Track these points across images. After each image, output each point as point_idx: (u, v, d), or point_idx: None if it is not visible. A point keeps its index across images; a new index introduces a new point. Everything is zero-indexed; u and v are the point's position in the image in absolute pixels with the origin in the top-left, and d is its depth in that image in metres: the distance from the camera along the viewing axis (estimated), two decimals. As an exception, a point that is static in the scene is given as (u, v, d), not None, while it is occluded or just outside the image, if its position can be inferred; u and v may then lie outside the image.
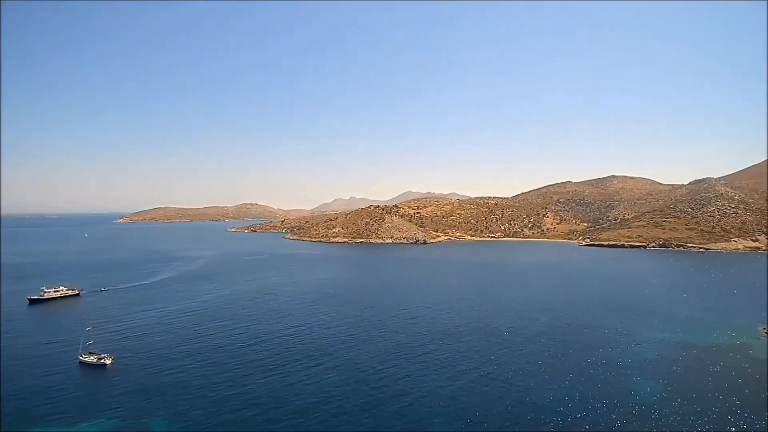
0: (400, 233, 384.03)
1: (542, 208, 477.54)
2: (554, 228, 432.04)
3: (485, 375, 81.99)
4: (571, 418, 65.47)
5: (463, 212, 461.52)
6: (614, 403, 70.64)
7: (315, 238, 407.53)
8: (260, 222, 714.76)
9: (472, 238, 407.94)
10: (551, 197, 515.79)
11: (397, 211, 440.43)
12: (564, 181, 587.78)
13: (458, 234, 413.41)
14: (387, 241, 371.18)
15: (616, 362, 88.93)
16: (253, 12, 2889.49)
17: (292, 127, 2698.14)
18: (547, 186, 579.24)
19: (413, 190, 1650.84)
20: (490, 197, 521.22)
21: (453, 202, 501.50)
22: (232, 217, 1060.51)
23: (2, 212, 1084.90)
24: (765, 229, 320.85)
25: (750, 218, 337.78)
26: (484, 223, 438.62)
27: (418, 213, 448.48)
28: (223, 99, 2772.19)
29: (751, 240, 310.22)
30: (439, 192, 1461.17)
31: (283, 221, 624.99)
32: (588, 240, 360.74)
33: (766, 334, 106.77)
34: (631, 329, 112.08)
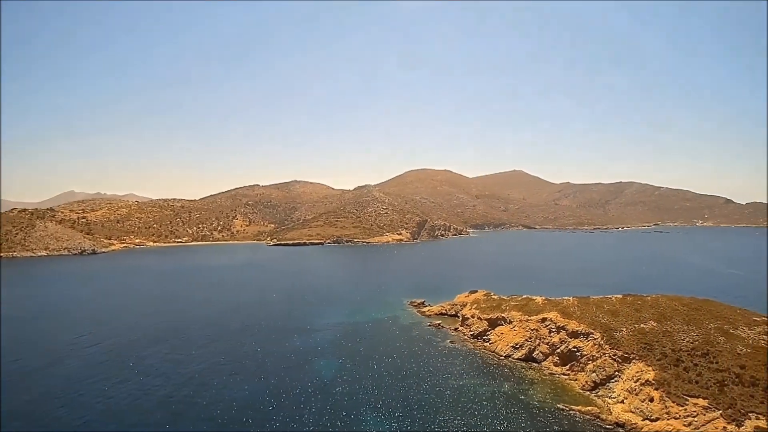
0: (59, 243, 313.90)
1: (231, 210, 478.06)
2: (244, 230, 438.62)
3: (190, 387, 75.34)
4: (267, 409, 67.21)
5: (143, 216, 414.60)
6: (303, 385, 76.54)
7: None
8: None
9: (155, 244, 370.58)
10: (240, 200, 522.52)
11: (53, 216, 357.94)
12: (252, 184, 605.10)
13: (138, 241, 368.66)
14: (40, 254, 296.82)
15: (302, 349, 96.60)
16: None
17: None
18: (236, 189, 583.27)
19: (77, 191, 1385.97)
20: (175, 199, 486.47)
21: (131, 205, 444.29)
22: None
23: None
24: (406, 225, 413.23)
25: (396, 217, 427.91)
26: (170, 227, 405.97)
27: (84, 218, 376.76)
28: None
29: (397, 234, 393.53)
30: (112, 193, 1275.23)
31: None
32: (275, 240, 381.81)
33: (409, 305, 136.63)
34: (314, 317, 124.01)
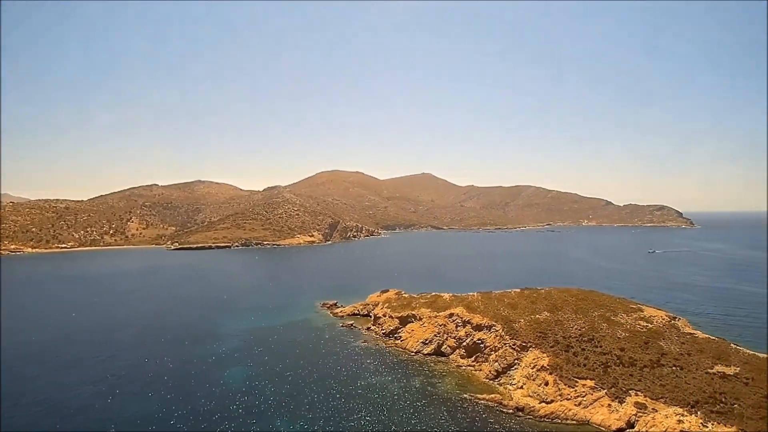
0: None
1: (126, 212, 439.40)
2: (141, 233, 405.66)
3: (83, 414, 67.60)
4: (171, 422, 62.56)
5: (19, 219, 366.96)
6: (210, 396, 72.39)
7: None
8: None
9: (34, 250, 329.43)
10: (136, 200, 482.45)
11: None
12: (150, 184, 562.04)
13: (14, 247, 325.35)
14: None
15: (209, 357, 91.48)
16: None
17: None
18: (130, 188, 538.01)
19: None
20: (58, 200, 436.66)
21: (4, 206, 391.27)
22: None
23: None
24: (318, 227, 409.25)
25: (307, 218, 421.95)
26: (52, 231, 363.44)
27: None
28: None
29: (309, 236, 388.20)
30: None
31: None
32: (177, 244, 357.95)
33: (321, 307, 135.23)
34: (222, 324, 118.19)
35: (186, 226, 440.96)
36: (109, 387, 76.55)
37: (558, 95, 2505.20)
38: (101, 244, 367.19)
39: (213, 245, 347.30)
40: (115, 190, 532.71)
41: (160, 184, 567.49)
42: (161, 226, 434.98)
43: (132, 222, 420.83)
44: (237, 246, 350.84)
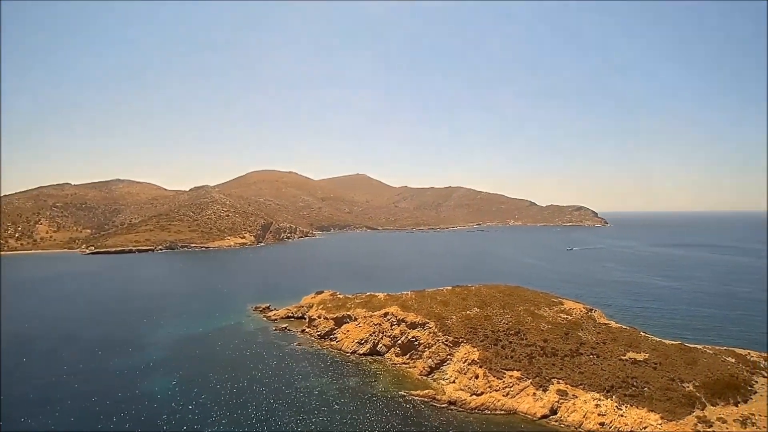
0: None
1: (34, 213, 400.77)
2: (51, 236, 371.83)
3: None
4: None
5: None
6: (132, 410, 67.88)
7: None
8: None
9: None
10: (45, 201, 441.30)
11: None
12: (61, 182, 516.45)
13: None
14: None
15: (133, 369, 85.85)
16: None
17: None
18: (39, 188, 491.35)
19: None
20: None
21: None
22: None
23: None
24: (250, 228, 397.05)
25: (238, 219, 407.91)
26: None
27: None
28: None
29: (240, 237, 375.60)
30: None
31: None
32: (93, 248, 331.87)
33: (253, 311, 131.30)
34: (146, 332, 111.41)
35: (103, 229, 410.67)
36: (17, 411, 69.18)
37: (487, 97, 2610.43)
38: (5, 248, 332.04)
39: (134, 249, 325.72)
40: (21, 190, 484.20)
41: (73, 183, 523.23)
42: (74, 228, 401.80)
43: (41, 224, 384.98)
44: (161, 249, 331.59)
